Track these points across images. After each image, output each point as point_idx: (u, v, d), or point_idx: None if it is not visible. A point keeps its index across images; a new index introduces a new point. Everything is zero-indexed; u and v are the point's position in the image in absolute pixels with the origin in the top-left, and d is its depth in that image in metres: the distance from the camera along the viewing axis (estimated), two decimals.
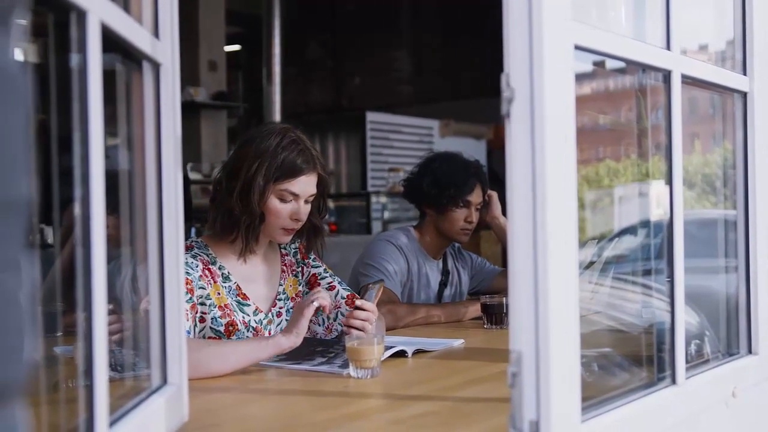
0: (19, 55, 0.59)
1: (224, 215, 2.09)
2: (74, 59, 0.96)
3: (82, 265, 0.95)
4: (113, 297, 1.12)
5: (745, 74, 1.74)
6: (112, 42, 1.06)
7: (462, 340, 2.29)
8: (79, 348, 1.34)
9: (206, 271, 2.08)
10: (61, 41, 0.98)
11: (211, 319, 2.04)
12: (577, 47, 1.19)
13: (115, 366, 1.26)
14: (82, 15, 0.94)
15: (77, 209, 0.95)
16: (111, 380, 1.01)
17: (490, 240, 5.83)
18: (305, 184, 2.09)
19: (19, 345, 0.53)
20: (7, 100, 0.55)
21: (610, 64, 1.51)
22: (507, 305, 2.57)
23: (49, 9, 0.94)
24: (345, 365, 1.84)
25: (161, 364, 1.31)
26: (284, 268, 2.26)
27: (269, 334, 2.14)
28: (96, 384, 0.96)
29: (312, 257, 2.32)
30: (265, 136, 2.08)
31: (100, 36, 0.98)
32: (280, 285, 2.23)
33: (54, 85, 1.01)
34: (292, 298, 2.25)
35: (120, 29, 1.08)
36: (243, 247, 2.12)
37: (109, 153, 1.05)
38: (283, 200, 2.08)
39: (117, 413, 1.10)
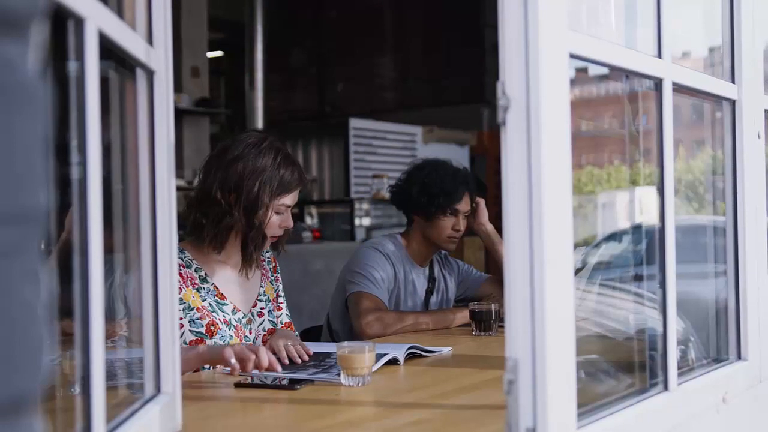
0: (36, 65, 0.58)
1: (224, 230, 2.15)
2: (71, 66, 0.96)
3: (80, 274, 0.95)
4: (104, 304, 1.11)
5: (733, 82, 1.75)
6: (107, 49, 1.05)
7: (450, 348, 2.29)
8: (68, 357, 1.33)
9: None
10: (57, 48, 0.97)
11: (190, 321, 2.11)
12: (572, 55, 1.19)
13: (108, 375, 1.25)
14: (80, 22, 0.94)
15: (75, 217, 0.94)
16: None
17: (473, 246, 5.84)
18: (296, 196, 2.24)
19: (38, 357, 0.53)
20: (29, 112, 0.55)
21: (593, 70, 1.51)
22: (495, 312, 2.57)
23: (45, 16, 0.93)
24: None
25: (155, 373, 1.30)
26: (264, 271, 2.36)
27: (250, 333, 2.23)
28: (93, 394, 0.95)
29: (277, 274, 2.42)
30: (256, 153, 2.16)
31: (98, 43, 0.97)
32: (261, 286, 2.32)
33: (49, 92, 1.00)
34: (272, 300, 2.34)
35: (116, 37, 1.07)
36: (246, 260, 2.20)
37: (102, 160, 1.04)
38: (278, 213, 2.20)
39: (112, 423, 1.09)
